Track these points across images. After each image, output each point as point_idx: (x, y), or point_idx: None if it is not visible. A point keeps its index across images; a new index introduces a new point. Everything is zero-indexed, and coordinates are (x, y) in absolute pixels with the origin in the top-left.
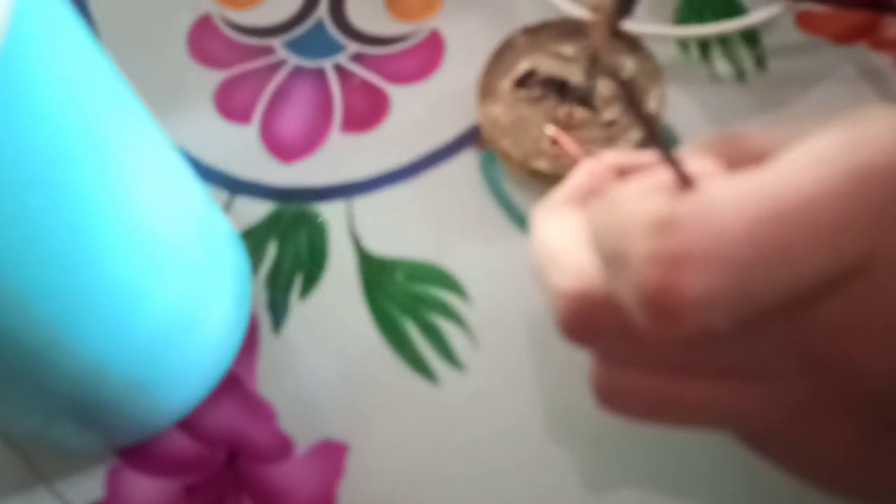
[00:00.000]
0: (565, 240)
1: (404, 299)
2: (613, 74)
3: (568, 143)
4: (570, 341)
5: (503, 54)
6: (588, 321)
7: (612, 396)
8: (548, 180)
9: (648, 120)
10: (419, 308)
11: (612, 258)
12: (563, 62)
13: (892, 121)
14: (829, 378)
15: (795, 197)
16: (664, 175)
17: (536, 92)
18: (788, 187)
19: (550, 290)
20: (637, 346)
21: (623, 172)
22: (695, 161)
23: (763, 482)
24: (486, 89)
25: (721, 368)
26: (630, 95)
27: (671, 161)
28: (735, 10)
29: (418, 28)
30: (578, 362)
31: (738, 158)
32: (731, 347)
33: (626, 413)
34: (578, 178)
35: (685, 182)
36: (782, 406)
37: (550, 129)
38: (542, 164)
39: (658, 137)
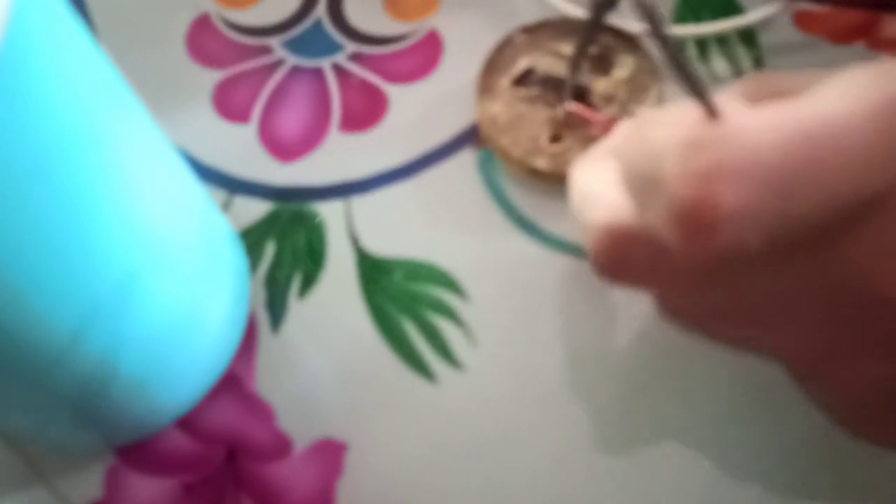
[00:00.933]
0: (600, 183)
1: (403, 298)
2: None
3: (588, 112)
4: (603, 276)
5: (502, 53)
6: (620, 253)
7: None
8: (546, 178)
9: (674, 46)
10: (417, 307)
11: (644, 184)
12: (561, 61)
13: None
14: (857, 314)
15: (827, 119)
16: (693, 111)
17: (535, 90)
18: (820, 111)
19: (586, 227)
20: (668, 282)
21: None
22: (724, 100)
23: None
24: (485, 88)
25: (749, 309)
26: (654, 23)
27: (699, 90)
28: (733, 10)
29: (417, 27)
30: (577, 361)
31: (769, 97)
32: (760, 283)
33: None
34: (616, 136)
35: (713, 114)
36: (814, 346)
37: (572, 106)
38: (540, 163)
39: (683, 65)
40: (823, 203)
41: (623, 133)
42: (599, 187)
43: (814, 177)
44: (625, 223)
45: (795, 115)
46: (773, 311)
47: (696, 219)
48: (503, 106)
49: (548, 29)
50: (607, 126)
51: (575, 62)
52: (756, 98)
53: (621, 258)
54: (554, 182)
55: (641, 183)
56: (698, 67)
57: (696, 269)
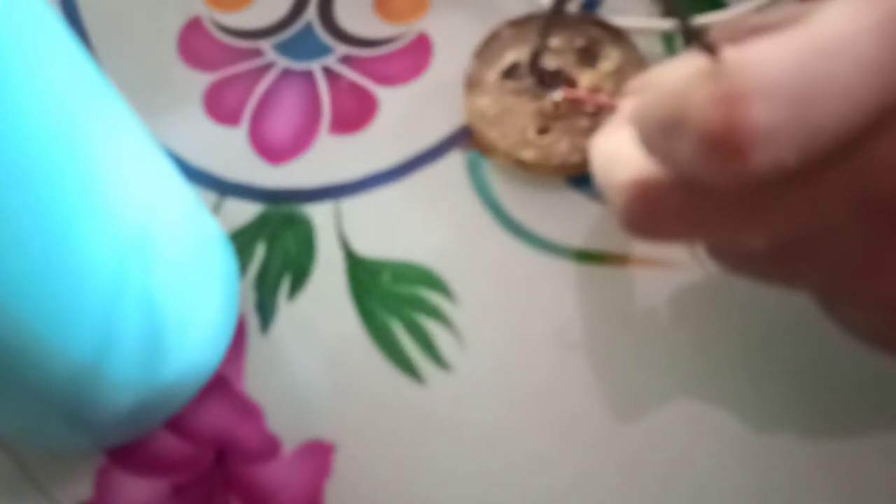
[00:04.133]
0: (620, 146)
1: (391, 300)
2: None
3: (583, 94)
4: (636, 234)
5: (489, 47)
6: (650, 206)
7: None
8: (534, 170)
9: None
10: (406, 308)
11: (665, 131)
12: (549, 53)
13: None
14: (885, 222)
15: (836, 35)
16: (698, 57)
17: (522, 83)
18: (827, 30)
19: (612, 187)
20: (701, 230)
21: None
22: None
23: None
24: (473, 82)
25: (787, 235)
26: None
27: (696, 34)
28: (719, 4)
29: (406, 30)
30: (566, 362)
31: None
32: (795, 204)
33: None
34: (625, 108)
35: (716, 53)
36: (852, 261)
37: (559, 95)
38: (528, 154)
39: (681, 9)
40: (849, 112)
41: (630, 104)
42: (620, 150)
43: (836, 88)
44: (651, 175)
45: (804, 36)
46: (810, 231)
47: (728, 143)
48: (491, 99)
49: (534, 23)
50: (606, 106)
51: (538, 50)
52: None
53: (652, 211)
54: (541, 173)
55: (662, 131)
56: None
57: (729, 204)
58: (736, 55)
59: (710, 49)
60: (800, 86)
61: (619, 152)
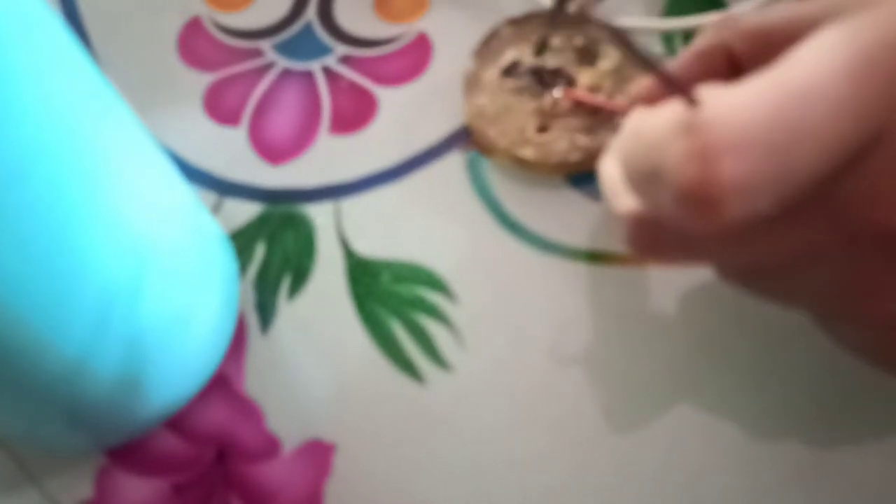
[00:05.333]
0: (614, 172)
1: (391, 300)
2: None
3: (584, 95)
4: (643, 258)
5: (489, 45)
6: (649, 237)
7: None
8: (533, 168)
9: (628, 45)
10: (406, 308)
11: (647, 176)
12: (548, 52)
13: (886, 7)
14: (876, 247)
15: (807, 78)
16: (675, 106)
17: (522, 81)
18: (798, 73)
19: (615, 214)
20: (701, 254)
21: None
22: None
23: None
24: (472, 80)
25: (779, 259)
26: (616, 35)
27: (670, 81)
28: (719, 4)
29: (406, 30)
30: (564, 362)
31: (738, 41)
32: (782, 234)
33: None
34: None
35: (693, 102)
36: (844, 286)
37: (559, 92)
38: (527, 153)
39: (649, 61)
40: (821, 155)
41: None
42: (616, 178)
43: (807, 133)
44: (646, 211)
45: (776, 81)
46: (800, 257)
47: (702, 199)
48: (490, 97)
49: (534, 21)
50: (604, 106)
51: (539, 47)
52: (725, 45)
53: (652, 241)
54: (540, 171)
55: (644, 178)
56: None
57: (718, 239)
58: (711, 103)
59: (688, 96)
60: (772, 135)
61: (616, 182)
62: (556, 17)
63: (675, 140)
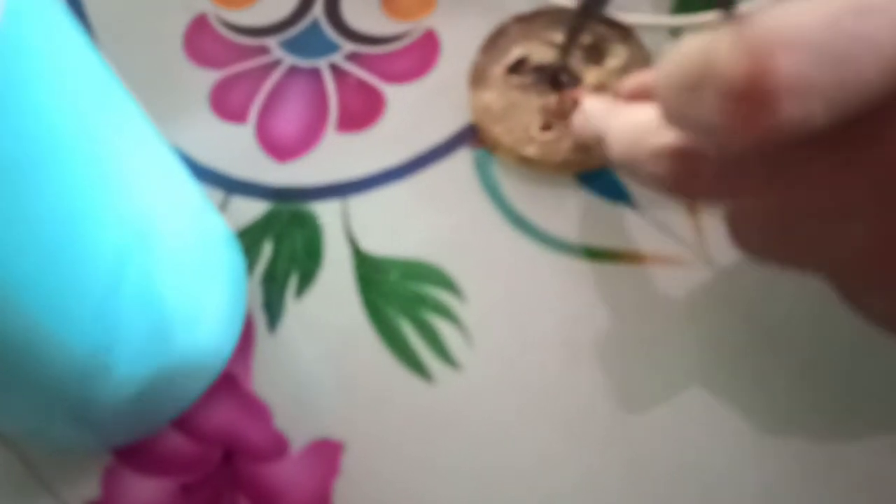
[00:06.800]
0: (647, 116)
1: (399, 298)
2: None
3: (581, 95)
4: (678, 197)
5: (495, 42)
6: (688, 170)
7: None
8: (536, 166)
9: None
10: (414, 307)
11: (688, 87)
12: (555, 50)
13: None
14: None
15: None
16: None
17: (528, 79)
18: None
19: (645, 155)
20: (738, 188)
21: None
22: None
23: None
24: (479, 76)
25: (813, 209)
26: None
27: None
28: (727, 2)
29: (413, 27)
30: (573, 360)
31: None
32: (817, 172)
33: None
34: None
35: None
36: (874, 248)
37: (575, 93)
38: (531, 150)
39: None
40: (880, 69)
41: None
42: (648, 120)
43: (866, 44)
44: (683, 141)
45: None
46: (837, 206)
47: (754, 93)
48: (496, 94)
49: (541, 18)
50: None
51: (565, 49)
52: None
53: (692, 174)
54: (543, 170)
55: (685, 90)
56: None
57: (758, 165)
58: (763, 15)
59: (731, 7)
60: (829, 40)
61: (647, 122)
62: (588, 12)
63: (724, 39)
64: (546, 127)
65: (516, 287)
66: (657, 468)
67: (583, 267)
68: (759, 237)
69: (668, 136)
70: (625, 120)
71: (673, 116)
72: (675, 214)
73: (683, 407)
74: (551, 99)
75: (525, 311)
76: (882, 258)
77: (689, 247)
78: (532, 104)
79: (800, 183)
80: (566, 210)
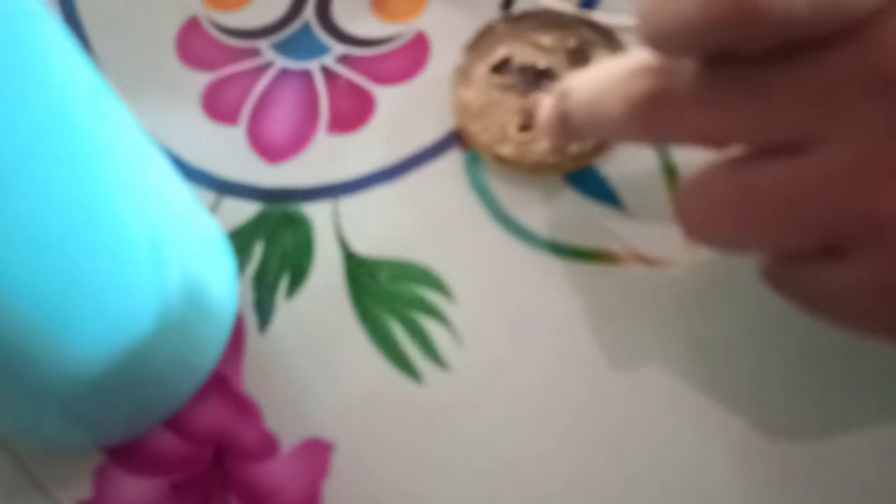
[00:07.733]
0: (605, 69)
1: (390, 299)
2: None
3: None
4: (646, 139)
5: (482, 40)
6: (657, 107)
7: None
8: (510, 166)
9: None
10: (404, 307)
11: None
12: (540, 52)
13: None
14: None
15: None
16: None
17: (511, 79)
18: None
19: (618, 103)
20: (705, 127)
21: None
22: None
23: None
24: (462, 74)
25: (797, 118)
26: None
27: None
28: None
29: (404, 29)
30: (562, 360)
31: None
32: (806, 85)
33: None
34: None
35: None
36: (871, 156)
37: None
38: (506, 150)
39: None
40: None
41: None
42: (610, 69)
43: None
44: (653, 78)
45: None
46: (828, 111)
47: None
48: (477, 92)
49: (529, 20)
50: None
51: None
52: None
53: (660, 113)
54: (519, 170)
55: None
56: None
57: (733, 87)
58: None
59: None
60: None
61: (612, 72)
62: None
63: None
64: (524, 128)
65: (506, 288)
66: (647, 466)
67: (572, 268)
68: (730, 219)
69: (637, 80)
70: (589, 75)
71: (654, 28)
72: (664, 216)
73: (674, 406)
74: (530, 100)
75: (515, 312)
76: (881, 172)
77: (677, 248)
78: (511, 104)
79: (790, 97)
80: (555, 212)
